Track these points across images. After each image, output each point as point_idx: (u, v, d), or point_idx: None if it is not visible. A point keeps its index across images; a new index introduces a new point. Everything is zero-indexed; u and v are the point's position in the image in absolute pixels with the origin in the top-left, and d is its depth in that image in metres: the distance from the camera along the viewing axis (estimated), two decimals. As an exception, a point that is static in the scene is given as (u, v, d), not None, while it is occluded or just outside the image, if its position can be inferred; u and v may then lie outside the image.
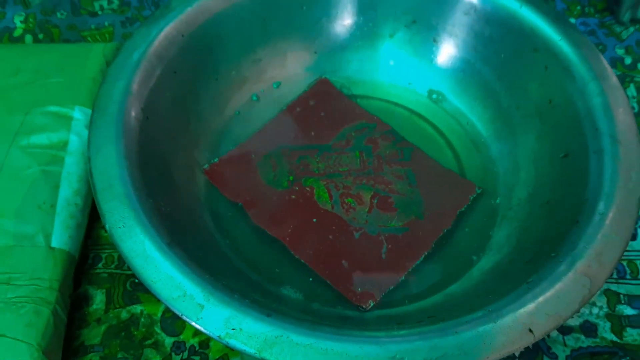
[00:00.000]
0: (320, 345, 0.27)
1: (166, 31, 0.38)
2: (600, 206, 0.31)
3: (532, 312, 0.28)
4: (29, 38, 0.48)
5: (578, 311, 0.29)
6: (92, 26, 0.49)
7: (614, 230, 0.31)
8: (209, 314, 0.28)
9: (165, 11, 0.39)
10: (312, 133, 0.41)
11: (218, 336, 0.28)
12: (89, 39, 0.49)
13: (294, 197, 0.38)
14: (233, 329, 0.27)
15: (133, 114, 0.35)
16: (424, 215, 0.38)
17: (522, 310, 0.28)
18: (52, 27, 0.49)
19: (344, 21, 0.44)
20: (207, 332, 0.28)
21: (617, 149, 0.34)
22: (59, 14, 0.50)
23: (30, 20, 0.49)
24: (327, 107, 0.43)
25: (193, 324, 0.28)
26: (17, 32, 0.49)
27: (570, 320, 0.36)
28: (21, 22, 0.49)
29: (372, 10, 0.44)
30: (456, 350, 0.27)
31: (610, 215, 0.31)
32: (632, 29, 0.51)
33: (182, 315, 0.28)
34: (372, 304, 0.34)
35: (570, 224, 0.32)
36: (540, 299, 0.29)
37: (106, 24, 0.50)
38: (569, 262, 0.30)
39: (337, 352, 0.27)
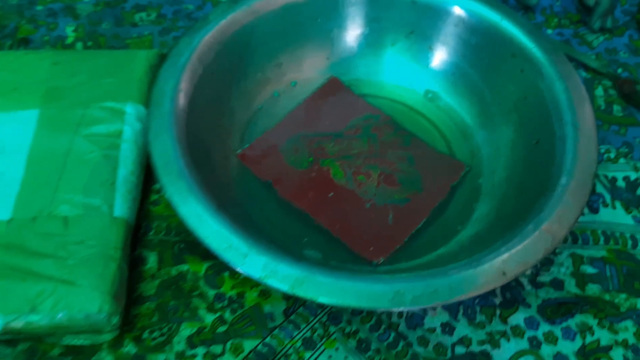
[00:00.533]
0: (339, 284, 0.35)
1: (205, 39, 0.46)
2: (562, 180, 0.39)
3: (505, 260, 0.36)
4: (79, 45, 0.56)
5: (541, 260, 0.36)
6: (134, 35, 0.57)
7: (572, 198, 0.38)
8: (250, 261, 0.35)
9: (204, 23, 0.47)
10: (327, 122, 0.49)
11: (258, 277, 0.35)
12: (131, 46, 0.56)
13: (313, 175, 0.46)
14: (270, 272, 0.35)
15: (182, 107, 0.42)
16: (422, 189, 0.45)
17: (497, 259, 0.36)
18: (99, 36, 0.57)
19: (353, 32, 0.52)
20: (249, 275, 0.35)
21: (578, 135, 0.41)
22: (104, 25, 0.58)
23: (80, 29, 0.57)
24: (337, 101, 0.50)
25: (238, 269, 0.35)
26: (69, 40, 0.56)
27: (542, 277, 0.43)
28: (72, 31, 0.57)
29: (377, 23, 0.52)
30: (446, 288, 0.34)
31: (570, 187, 0.39)
32: (601, 37, 0.59)
33: (229, 262, 0.35)
34: (382, 260, 0.42)
35: (539, 195, 0.39)
36: (513, 250, 0.36)
37: (146, 33, 0.57)
38: (535, 223, 0.37)
39: (353, 289, 0.34)
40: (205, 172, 0.41)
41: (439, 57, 0.52)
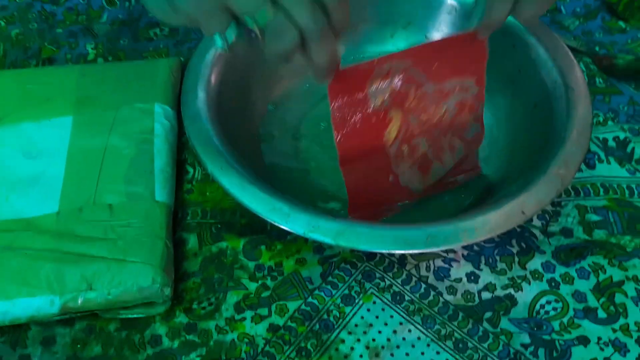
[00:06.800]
0: (377, 232, 0.38)
1: (227, 38, 0.50)
2: (564, 131, 0.44)
3: (523, 201, 0.40)
4: (100, 60, 0.60)
5: (554, 198, 0.40)
6: (151, 48, 0.61)
7: (574, 145, 0.43)
8: (293, 219, 0.39)
9: (223, 24, 0.51)
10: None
11: (303, 232, 0.38)
12: (149, 58, 0.60)
13: (373, 120, 0.42)
14: (313, 227, 0.38)
15: (212, 94, 0.46)
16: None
17: (516, 200, 0.40)
18: (119, 51, 0.61)
19: (358, 27, 0.57)
20: (294, 231, 0.38)
21: (572, 93, 0.46)
22: (121, 41, 0.62)
23: (100, 47, 0.61)
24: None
25: (283, 227, 0.39)
26: (90, 56, 0.60)
27: (552, 227, 0.47)
28: (92, 48, 0.61)
29: (377, 17, 0.57)
30: (472, 228, 0.38)
31: (571, 136, 0.43)
32: (577, 22, 0.65)
33: (274, 221, 0.39)
34: None
35: (544, 146, 0.44)
36: (529, 192, 0.40)
37: (161, 46, 0.61)
38: (544, 168, 0.41)
39: (390, 235, 0.38)
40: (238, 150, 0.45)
41: (436, 44, 0.57)
